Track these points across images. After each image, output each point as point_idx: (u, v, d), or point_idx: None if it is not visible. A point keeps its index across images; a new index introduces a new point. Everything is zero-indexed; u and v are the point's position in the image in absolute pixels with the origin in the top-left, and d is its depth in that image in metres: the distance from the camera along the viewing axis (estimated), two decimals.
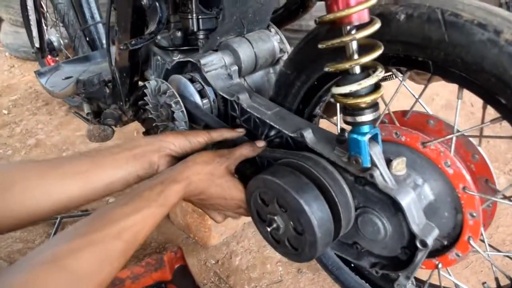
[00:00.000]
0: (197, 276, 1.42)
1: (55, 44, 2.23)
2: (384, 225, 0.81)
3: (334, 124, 1.04)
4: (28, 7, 2.09)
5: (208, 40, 1.11)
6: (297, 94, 0.98)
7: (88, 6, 1.87)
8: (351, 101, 0.72)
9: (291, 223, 0.82)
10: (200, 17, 1.18)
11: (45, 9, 2.26)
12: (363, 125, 0.75)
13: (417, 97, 0.86)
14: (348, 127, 0.79)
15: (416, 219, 0.77)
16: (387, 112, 0.89)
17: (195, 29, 1.19)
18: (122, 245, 0.67)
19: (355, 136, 0.75)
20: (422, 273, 0.99)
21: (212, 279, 1.42)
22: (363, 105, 0.72)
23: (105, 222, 0.68)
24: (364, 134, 0.75)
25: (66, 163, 0.83)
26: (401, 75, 0.86)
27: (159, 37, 1.26)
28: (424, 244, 0.76)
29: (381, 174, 0.77)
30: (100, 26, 1.90)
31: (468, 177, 0.79)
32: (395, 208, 0.78)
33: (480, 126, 0.79)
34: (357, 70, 0.72)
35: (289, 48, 1.19)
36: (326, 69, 0.73)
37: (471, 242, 0.82)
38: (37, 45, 2.18)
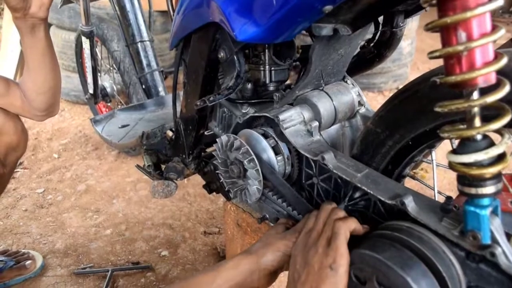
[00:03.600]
0: None
1: (108, 90, 2.25)
2: None
3: (428, 186, 0.95)
4: (85, 55, 2.11)
5: (284, 94, 1.05)
6: (387, 154, 0.90)
7: (146, 54, 1.87)
8: (475, 171, 0.63)
9: None
10: (273, 68, 1.13)
11: (100, 56, 2.29)
12: (483, 198, 0.66)
13: None
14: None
15: None
16: None
17: (267, 81, 1.15)
18: None
19: (473, 209, 0.66)
20: None
21: None
22: (488, 176, 0.63)
23: None
24: (485, 207, 0.66)
25: None
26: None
27: None
28: None
29: (503, 252, 0.67)
30: (156, 74, 1.89)
31: None
32: None
33: None
34: (480, 136, 0.64)
35: (366, 101, 1.12)
36: (445, 134, 0.65)
37: None
38: (90, 91, 2.18)
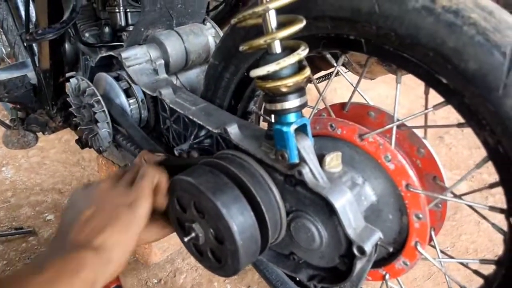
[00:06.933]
0: None
1: None
2: (318, 231, 0.70)
3: (263, 117, 0.94)
4: None
5: (131, 33, 1.00)
6: (228, 88, 0.88)
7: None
8: (270, 84, 0.62)
9: (211, 230, 0.70)
10: (128, 10, 1.08)
11: None
12: (287, 114, 0.65)
13: (354, 86, 0.77)
14: None
15: (352, 222, 0.66)
16: (323, 107, 0.79)
17: (123, 24, 1.09)
18: None
19: (279, 127, 0.65)
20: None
21: None
22: (284, 89, 0.62)
23: None
24: (289, 124, 0.65)
25: None
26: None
27: (87, 34, 1.16)
28: (361, 251, 0.65)
29: (310, 170, 0.66)
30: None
31: (411, 172, 0.69)
32: (329, 210, 0.68)
33: (422, 113, 0.69)
34: (278, 49, 0.62)
35: None
36: (241, 48, 0.63)
37: (419, 247, 0.72)
38: None
